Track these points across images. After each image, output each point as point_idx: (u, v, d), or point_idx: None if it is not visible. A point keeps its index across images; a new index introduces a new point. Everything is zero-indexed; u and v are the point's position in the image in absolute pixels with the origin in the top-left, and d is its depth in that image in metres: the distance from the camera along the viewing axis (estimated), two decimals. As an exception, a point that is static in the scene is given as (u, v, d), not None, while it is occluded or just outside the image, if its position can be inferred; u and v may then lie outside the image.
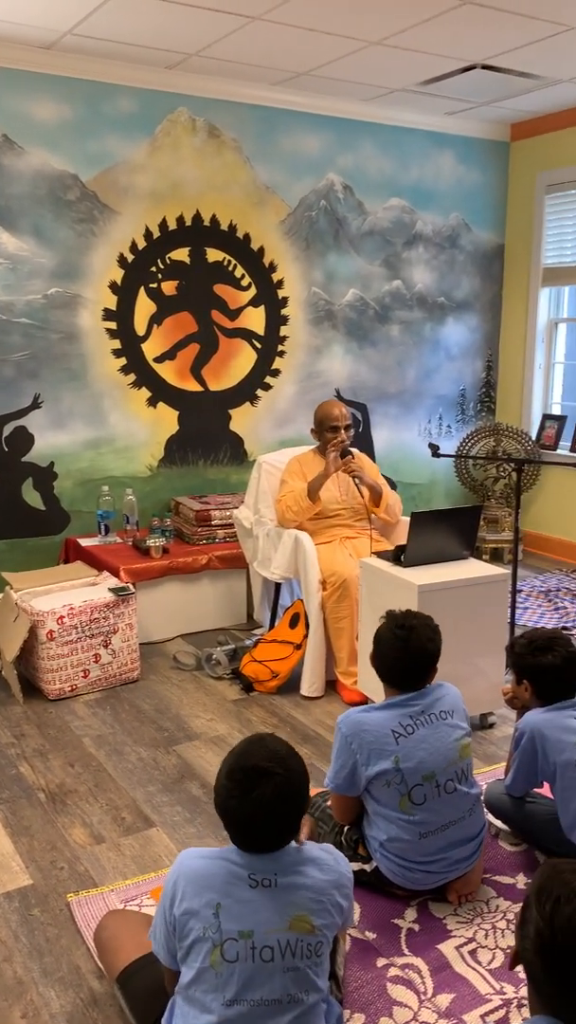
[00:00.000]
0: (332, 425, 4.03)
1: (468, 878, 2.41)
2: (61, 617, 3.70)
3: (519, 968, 1.40)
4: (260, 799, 1.62)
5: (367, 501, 4.04)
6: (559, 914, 1.29)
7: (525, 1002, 2.02)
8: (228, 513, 4.62)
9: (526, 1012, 1.99)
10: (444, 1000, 2.04)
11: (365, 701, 3.51)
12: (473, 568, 3.43)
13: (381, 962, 2.17)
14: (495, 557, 5.74)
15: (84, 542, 4.65)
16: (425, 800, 2.31)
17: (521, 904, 2.02)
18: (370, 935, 2.27)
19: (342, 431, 4.02)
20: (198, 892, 1.64)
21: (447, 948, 2.22)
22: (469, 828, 2.39)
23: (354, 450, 4.13)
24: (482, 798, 2.51)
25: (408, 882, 2.35)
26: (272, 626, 4.26)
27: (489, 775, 3.05)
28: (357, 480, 3.99)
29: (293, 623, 3.94)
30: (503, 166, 6.03)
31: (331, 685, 3.84)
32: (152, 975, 1.85)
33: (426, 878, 2.35)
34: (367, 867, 2.39)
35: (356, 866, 2.41)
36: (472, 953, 2.20)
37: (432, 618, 2.49)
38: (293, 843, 1.73)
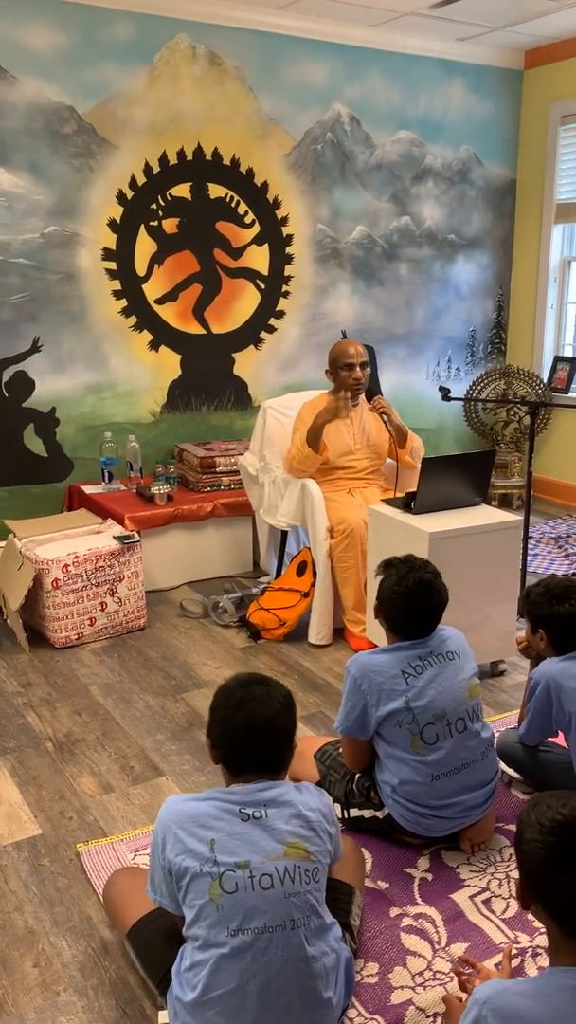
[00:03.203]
0: (347, 363, 3.90)
1: (481, 826, 2.39)
2: (66, 565, 3.65)
3: (532, 918, 1.40)
4: (255, 696, 1.75)
5: (393, 443, 3.97)
6: (548, 815, 1.37)
7: (540, 951, 2.01)
8: (233, 460, 4.54)
9: (542, 961, 1.98)
10: (458, 949, 2.03)
11: (374, 649, 3.48)
12: (485, 515, 3.36)
13: (394, 912, 2.15)
14: (504, 503, 5.66)
15: (88, 489, 4.58)
16: (437, 739, 2.28)
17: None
18: (383, 884, 2.25)
19: (357, 369, 3.91)
20: (190, 831, 1.67)
21: (460, 897, 2.20)
22: (482, 773, 2.36)
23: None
24: (494, 745, 2.48)
25: (421, 828, 2.33)
26: (279, 574, 4.20)
27: (500, 723, 3.03)
28: (386, 419, 3.92)
29: (300, 571, 3.88)
30: (516, 96, 5.79)
31: (339, 633, 3.80)
32: (161, 927, 1.85)
33: (439, 824, 2.32)
34: (379, 814, 2.37)
35: (368, 813, 2.40)
36: (486, 902, 2.18)
37: (430, 562, 2.45)
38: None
